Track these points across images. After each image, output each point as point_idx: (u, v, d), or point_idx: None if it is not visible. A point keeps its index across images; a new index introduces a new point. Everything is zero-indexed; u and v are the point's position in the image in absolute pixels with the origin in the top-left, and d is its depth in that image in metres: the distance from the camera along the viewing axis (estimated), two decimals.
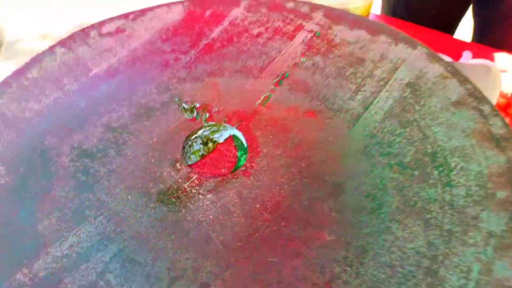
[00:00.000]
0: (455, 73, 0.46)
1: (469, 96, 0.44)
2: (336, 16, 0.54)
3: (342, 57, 0.50)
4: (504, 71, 0.72)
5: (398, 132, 0.43)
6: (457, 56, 0.79)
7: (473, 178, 0.38)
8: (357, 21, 0.53)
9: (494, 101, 0.60)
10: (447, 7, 0.98)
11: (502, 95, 0.67)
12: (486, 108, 0.43)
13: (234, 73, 0.49)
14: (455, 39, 0.86)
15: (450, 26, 1.02)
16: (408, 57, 0.49)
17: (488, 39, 0.91)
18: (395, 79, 0.47)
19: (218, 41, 0.53)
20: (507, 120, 0.65)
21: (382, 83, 0.47)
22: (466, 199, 0.37)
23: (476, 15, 0.99)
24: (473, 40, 1.00)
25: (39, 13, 2.73)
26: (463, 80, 0.45)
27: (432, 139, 0.42)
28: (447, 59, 0.70)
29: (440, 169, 0.39)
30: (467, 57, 0.78)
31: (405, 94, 0.46)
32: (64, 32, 2.61)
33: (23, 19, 2.70)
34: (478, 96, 0.44)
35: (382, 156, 0.41)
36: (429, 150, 0.41)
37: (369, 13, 0.75)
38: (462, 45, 0.82)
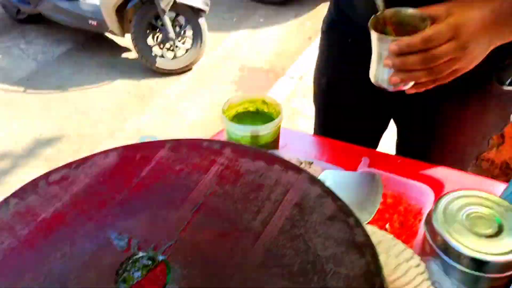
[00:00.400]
0: (329, 192, 0.60)
1: (339, 211, 0.57)
2: (241, 150, 0.68)
3: (246, 185, 0.63)
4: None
5: (288, 245, 0.55)
6: (357, 160, 0.95)
7: (342, 280, 0.50)
8: (257, 154, 0.67)
9: (378, 201, 0.75)
10: (364, 127, 1.15)
11: (390, 195, 0.81)
12: (351, 220, 0.56)
13: (161, 206, 0.61)
14: (356, 146, 1.02)
15: (372, 140, 1.19)
16: (295, 181, 0.62)
17: (409, 152, 1.07)
18: (286, 200, 0.60)
19: (147, 179, 0.65)
20: (395, 217, 0.79)
21: (276, 204, 0.60)
22: None
23: (398, 133, 1.16)
24: (397, 152, 1.17)
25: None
26: (335, 198, 0.59)
27: (313, 249, 0.54)
28: (341, 170, 0.85)
29: (319, 275, 0.51)
30: (365, 162, 0.94)
31: (294, 212, 0.59)
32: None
33: None
34: (346, 211, 0.57)
35: (276, 268, 0.53)
36: (311, 259, 0.53)
37: (278, 135, 0.91)
38: (363, 152, 0.99)
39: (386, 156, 0.99)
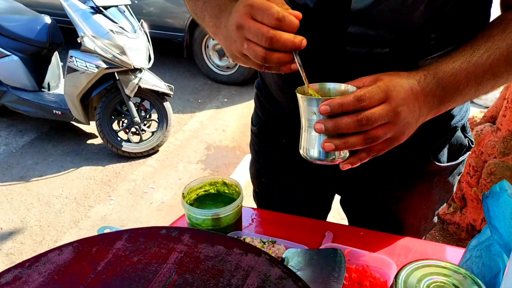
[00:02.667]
0: (290, 273, 0.60)
1: None
2: (200, 236, 0.68)
3: (206, 271, 0.62)
4: None
5: None
6: (321, 235, 0.95)
7: None
8: (216, 238, 0.67)
9: (342, 277, 0.74)
10: (312, 202, 1.16)
11: (355, 270, 0.81)
12: None
13: None
14: (320, 221, 1.03)
15: (321, 213, 1.20)
16: (255, 264, 0.62)
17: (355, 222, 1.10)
18: (247, 285, 0.59)
19: (103, 273, 0.63)
20: None
21: None
22: None
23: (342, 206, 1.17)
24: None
25: None
26: (296, 278, 0.59)
27: None
28: (304, 247, 0.85)
29: None
30: (328, 236, 0.95)
31: None
32: None
33: None
34: None
35: None
36: None
37: (240, 216, 0.91)
38: (325, 226, 1.00)
39: (349, 228, 1.00)
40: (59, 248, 0.67)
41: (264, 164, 1.14)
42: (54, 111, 3.41)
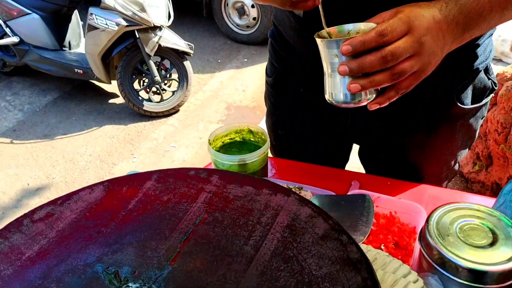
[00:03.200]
0: (320, 212, 0.59)
1: (331, 230, 0.57)
2: (229, 177, 0.68)
3: (235, 210, 0.62)
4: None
5: (282, 267, 0.54)
6: (347, 184, 0.94)
7: None
8: (245, 179, 0.67)
9: (371, 222, 0.74)
10: (330, 154, 1.14)
11: (383, 216, 0.81)
12: (345, 238, 0.55)
13: (150, 237, 0.60)
14: (346, 171, 1.03)
15: (339, 164, 1.19)
16: (284, 204, 0.62)
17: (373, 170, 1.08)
18: (277, 223, 0.59)
19: (134, 211, 0.64)
20: (389, 237, 0.78)
21: (267, 227, 0.59)
22: None
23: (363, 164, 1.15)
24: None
25: None
26: (326, 217, 0.58)
27: (307, 270, 0.53)
28: (332, 193, 0.84)
29: None
30: (354, 185, 0.94)
31: (285, 235, 0.58)
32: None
33: None
34: (338, 229, 0.56)
35: None
36: (306, 279, 0.51)
37: (266, 163, 0.90)
38: (352, 176, 0.99)
39: (375, 178, 0.99)
40: (90, 187, 0.67)
41: (281, 115, 1.12)
42: (76, 70, 3.43)
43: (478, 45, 0.87)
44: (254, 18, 4.50)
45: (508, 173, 2.08)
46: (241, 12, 4.56)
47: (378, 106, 0.67)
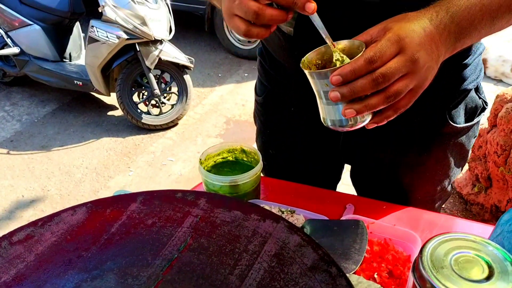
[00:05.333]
0: (310, 241, 0.57)
1: (320, 260, 0.54)
2: (217, 200, 0.65)
3: (222, 236, 0.60)
4: None
5: None
6: (342, 207, 0.92)
7: None
8: (233, 203, 0.65)
9: (364, 249, 0.71)
10: (322, 173, 1.12)
11: (377, 243, 0.78)
12: (334, 270, 0.53)
13: (131, 263, 0.57)
14: (341, 193, 1.00)
15: (331, 184, 1.17)
16: (273, 231, 0.59)
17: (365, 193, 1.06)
18: (264, 251, 0.57)
19: (117, 235, 0.61)
20: (383, 266, 0.75)
21: (254, 256, 0.57)
22: None
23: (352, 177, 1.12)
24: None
25: None
26: (316, 246, 0.56)
27: None
28: (324, 218, 0.82)
29: None
30: (349, 209, 0.91)
31: (273, 264, 0.55)
32: None
33: None
34: (328, 260, 0.54)
35: None
36: None
37: (259, 184, 0.88)
38: (346, 199, 0.96)
39: (370, 202, 0.97)
40: (73, 208, 0.65)
41: (271, 135, 1.10)
42: (75, 81, 3.42)
43: (467, 65, 0.86)
44: None
45: (507, 196, 2.05)
46: None
47: (376, 125, 0.66)
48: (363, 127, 0.66)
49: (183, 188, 2.69)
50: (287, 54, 0.89)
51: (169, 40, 3.26)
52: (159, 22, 3.17)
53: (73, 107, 3.75)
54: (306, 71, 0.63)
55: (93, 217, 0.64)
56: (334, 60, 0.64)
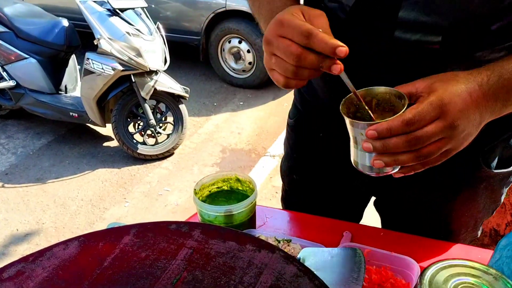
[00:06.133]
0: (306, 271, 0.56)
1: None
2: (211, 231, 0.64)
3: (217, 268, 0.59)
4: None
5: None
6: (339, 235, 0.91)
7: None
8: (228, 234, 0.64)
9: (362, 278, 0.70)
10: (345, 206, 1.10)
11: (375, 271, 0.77)
12: None
13: None
14: (338, 221, 0.99)
15: (356, 215, 1.15)
16: (269, 261, 0.58)
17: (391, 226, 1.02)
18: (260, 283, 0.56)
19: (109, 269, 0.60)
20: None
21: (250, 287, 0.55)
22: None
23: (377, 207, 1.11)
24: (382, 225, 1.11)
25: None
26: (313, 277, 0.55)
27: None
28: (321, 246, 0.81)
29: None
30: (347, 237, 0.90)
31: None
32: None
33: None
34: None
35: None
36: None
37: (254, 214, 0.87)
38: (344, 226, 0.95)
39: (368, 229, 0.96)
40: (65, 242, 0.64)
41: (298, 159, 1.09)
42: (71, 113, 3.43)
43: None
44: (249, 63, 4.58)
45: (506, 219, 2.04)
46: (237, 57, 4.63)
47: (402, 175, 0.67)
48: None
49: (179, 218, 2.67)
50: (320, 79, 0.89)
51: (164, 71, 3.29)
52: (154, 53, 3.21)
53: (68, 139, 3.75)
54: (345, 118, 0.64)
55: (86, 251, 0.62)
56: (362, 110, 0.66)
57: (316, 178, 1.06)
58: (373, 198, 1.10)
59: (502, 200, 0.98)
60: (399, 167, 0.66)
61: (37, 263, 0.61)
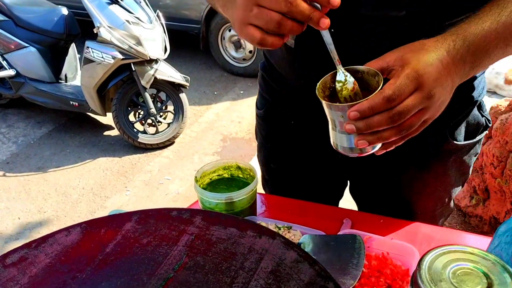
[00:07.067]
0: (307, 257, 0.56)
1: (318, 276, 0.54)
2: (212, 218, 0.65)
3: (218, 254, 0.60)
4: None
5: None
6: (339, 222, 0.92)
7: None
8: (229, 220, 0.64)
9: (361, 264, 0.71)
10: (324, 188, 1.12)
11: (375, 257, 0.78)
12: (331, 286, 0.52)
13: (126, 284, 0.56)
14: (338, 208, 1.00)
15: (333, 200, 1.17)
16: (269, 247, 0.59)
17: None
18: (261, 268, 0.56)
19: (112, 255, 0.61)
20: (382, 280, 0.74)
21: (251, 273, 0.56)
22: None
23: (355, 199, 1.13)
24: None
25: None
26: (313, 262, 0.56)
27: None
28: (321, 233, 0.81)
29: None
30: (346, 223, 0.91)
31: (269, 281, 0.54)
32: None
33: None
34: (325, 276, 0.54)
35: None
36: None
37: (254, 201, 0.88)
38: (343, 213, 0.96)
39: (368, 216, 0.96)
40: (67, 229, 0.64)
41: (273, 149, 1.10)
42: (71, 102, 3.43)
43: (471, 83, 0.86)
44: (250, 51, 4.56)
45: (505, 207, 2.05)
46: (238, 45, 4.61)
47: (384, 151, 0.68)
48: None
49: (180, 206, 2.69)
50: (289, 66, 0.90)
51: (165, 59, 3.28)
52: (154, 42, 3.19)
53: (69, 128, 3.75)
54: (323, 102, 0.63)
55: (88, 237, 0.63)
56: (337, 80, 0.65)
57: (293, 165, 1.08)
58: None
59: (470, 172, 1.02)
60: (380, 144, 0.66)
61: (40, 249, 0.61)
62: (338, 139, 0.66)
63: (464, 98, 0.87)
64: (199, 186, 0.85)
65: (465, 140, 0.91)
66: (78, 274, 0.58)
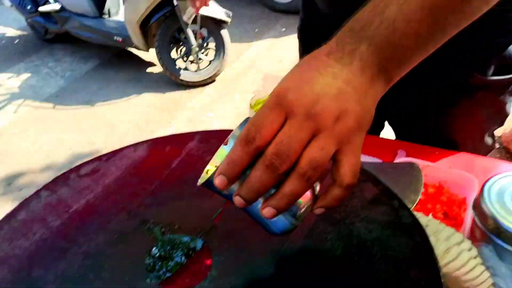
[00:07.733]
0: (370, 177, 0.57)
1: (381, 194, 0.54)
2: None
3: None
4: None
5: (328, 230, 0.52)
6: (392, 153, 0.91)
7: (391, 263, 0.47)
8: None
9: (420, 190, 0.71)
10: None
11: (432, 185, 0.77)
12: (395, 203, 0.53)
13: (192, 195, 0.59)
14: (390, 140, 0.99)
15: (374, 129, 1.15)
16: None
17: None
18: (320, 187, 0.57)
19: (177, 170, 0.63)
20: (438, 207, 0.75)
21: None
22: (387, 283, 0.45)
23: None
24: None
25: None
26: (377, 181, 0.56)
27: (356, 233, 0.51)
28: (379, 160, 0.81)
29: (365, 258, 0.48)
30: (401, 155, 0.90)
31: None
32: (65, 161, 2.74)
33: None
34: (389, 194, 0.54)
35: (316, 253, 0.50)
36: (355, 243, 0.50)
37: None
38: (397, 145, 0.95)
39: (422, 148, 0.95)
40: (134, 145, 0.67)
41: None
42: (115, 37, 3.46)
43: (506, 14, 0.78)
44: None
45: None
46: None
47: (324, 210, 0.46)
48: None
49: None
50: None
51: None
52: None
53: (113, 63, 3.81)
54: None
55: (154, 153, 0.66)
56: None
57: None
58: None
59: (510, 111, 0.96)
60: (309, 203, 0.45)
61: (110, 162, 0.65)
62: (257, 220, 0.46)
63: (495, 30, 0.80)
64: (255, 112, 0.86)
65: (497, 75, 0.85)
66: (148, 186, 0.61)
